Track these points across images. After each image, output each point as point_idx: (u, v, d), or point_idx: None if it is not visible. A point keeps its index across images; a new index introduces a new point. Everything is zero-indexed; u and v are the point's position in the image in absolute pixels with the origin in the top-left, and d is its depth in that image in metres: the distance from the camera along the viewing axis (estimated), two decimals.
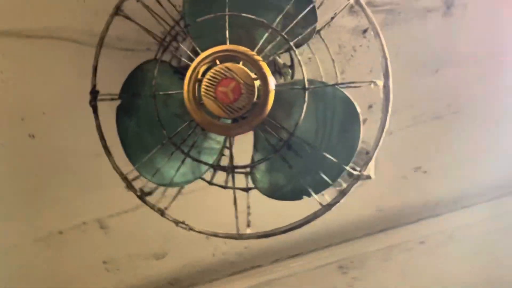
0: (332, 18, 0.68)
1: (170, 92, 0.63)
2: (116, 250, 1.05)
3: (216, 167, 0.68)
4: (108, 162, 0.68)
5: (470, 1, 0.92)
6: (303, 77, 0.60)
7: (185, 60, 0.63)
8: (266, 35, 0.60)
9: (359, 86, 0.61)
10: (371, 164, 0.63)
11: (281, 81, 0.73)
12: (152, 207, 0.69)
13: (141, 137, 0.68)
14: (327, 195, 0.65)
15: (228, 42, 0.59)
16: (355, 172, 0.63)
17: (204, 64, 0.59)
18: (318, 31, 0.70)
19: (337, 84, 0.61)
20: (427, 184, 1.11)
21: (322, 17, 0.66)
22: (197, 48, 0.61)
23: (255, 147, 0.66)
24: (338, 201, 0.64)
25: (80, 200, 0.98)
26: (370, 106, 0.95)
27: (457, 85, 1.01)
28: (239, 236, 0.67)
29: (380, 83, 0.61)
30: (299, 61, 0.61)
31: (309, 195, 0.64)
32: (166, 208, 0.69)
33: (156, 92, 0.63)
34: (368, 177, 0.64)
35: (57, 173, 0.94)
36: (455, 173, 1.11)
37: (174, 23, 0.68)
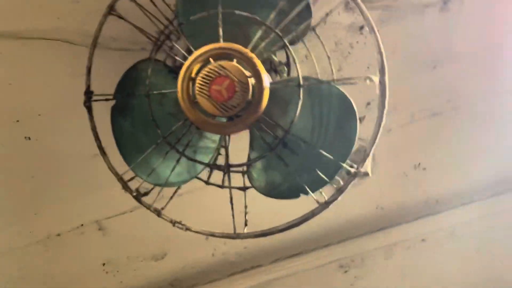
0: (327, 14, 0.67)
1: (164, 91, 0.63)
2: (115, 252, 1.05)
3: (211, 166, 0.68)
4: (105, 163, 0.68)
5: None
6: (298, 74, 0.59)
7: (179, 59, 0.62)
8: (259, 32, 0.59)
9: (355, 83, 0.60)
10: (368, 161, 0.63)
11: (277, 79, 0.72)
12: (148, 207, 0.68)
13: (136, 137, 0.68)
14: (325, 193, 0.65)
15: (221, 40, 0.59)
16: (352, 169, 0.62)
17: (197, 63, 0.59)
18: (313, 28, 0.70)
19: (332, 80, 0.61)
20: (427, 181, 1.10)
21: (317, 14, 0.65)
22: (191, 47, 0.60)
23: (251, 146, 0.66)
24: (336, 199, 0.64)
25: (77, 202, 0.97)
26: (368, 104, 0.94)
27: (456, 81, 1.00)
28: (236, 236, 0.67)
29: (376, 79, 0.60)
30: (293, 58, 0.60)
31: (306, 193, 0.64)
32: (162, 209, 0.69)
33: (150, 91, 0.63)
34: (366, 174, 0.63)
35: (54, 175, 0.94)
36: (455, 170, 1.10)
37: (167, 22, 0.68)
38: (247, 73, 0.58)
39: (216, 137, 0.68)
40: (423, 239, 1.16)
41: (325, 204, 0.64)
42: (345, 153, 0.62)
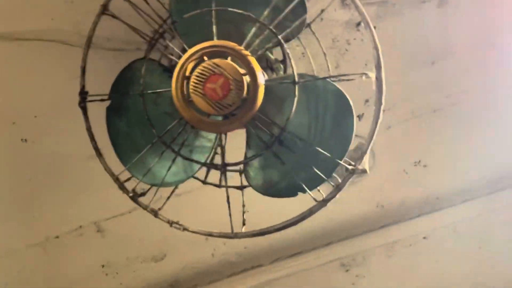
0: (322, 10, 0.67)
1: (158, 90, 0.63)
2: (114, 254, 1.05)
3: (207, 165, 0.67)
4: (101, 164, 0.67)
5: None
6: (293, 71, 0.59)
7: (173, 58, 0.62)
8: (254, 29, 0.59)
9: (351, 79, 0.60)
10: (366, 158, 0.62)
11: (274, 77, 0.72)
12: (145, 208, 0.68)
13: (131, 137, 0.68)
14: (323, 191, 0.64)
15: (215, 37, 0.59)
16: (349, 167, 0.62)
17: (191, 61, 0.58)
18: (309, 25, 0.69)
19: (328, 77, 0.60)
20: (428, 178, 1.09)
21: (313, 11, 0.65)
22: (185, 45, 0.60)
23: (248, 144, 0.65)
24: (334, 196, 0.63)
25: (75, 204, 0.97)
26: (367, 101, 0.94)
27: (455, 76, 0.99)
28: (234, 235, 0.67)
29: (372, 75, 0.60)
30: (288, 54, 0.60)
31: (303, 191, 0.63)
32: (159, 209, 0.68)
33: (144, 91, 0.63)
34: (364, 171, 0.63)
35: (51, 177, 0.94)
36: (455, 166, 1.09)
37: (161, 21, 0.67)
38: (242, 71, 0.58)
39: (212, 136, 0.67)
40: (424, 237, 1.15)
41: (323, 202, 0.63)
42: (342, 150, 0.62)
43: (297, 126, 0.62)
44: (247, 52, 0.58)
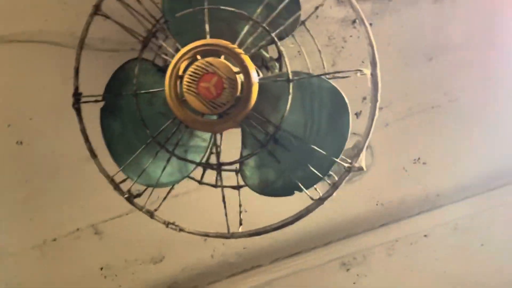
0: (317, 8, 0.66)
1: (151, 90, 0.62)
2: (113, 256, 1.04)
3: (202, 165, 0.67)
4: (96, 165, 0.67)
5: None
6: (287, 69, 0.58)
7: (167, 57, 0.62)
8: (247, 27, 0.58)
9: (346, 76, 0.59)
10: (363, 156, 0.62)
11: (269, 75, 0.71)
12: (140, 209, 0.67)
13: (126, 137, 0.67)
14: (319, 189, 0.64)
15: (208, 36, 0.58)
16: (346, 164, 0.61)
17: (184, 60, 0.58)
18: (303, 22, 0.69)
19: (322, 74, 0.60)
20: (427, 176, 1.09)
21: (307, 9, 0.64)
22: (177, 44, 0.59)
23: (243, 143, 0.65)
24: (331, 195, 0.63)
25: (73, 206, 0.97)
26: (364, 98, 0.93)
27: (453, 73, 0.99)
28: (230, 235, 0.66)
29: (367, 71, 0.59)
30: (282, 52, 0.59)
31: (300, 190, 0.63)
32: (155, 210, 0.68)
33: (138, 91, 0.62)
34: (360, 168, 0.62)
35: (48, 179, 0.93)
36: (455, 163, 1.08)
37: (154, 21, 0.67)
38: (235, 69, 0.57)
39: (207, 136, 0.67)
40: (425, 235, 1.15)
41: (320, 200, 0.63)
42: (338, 148, 0.61)
43: (292, 124, 0.61)
44: (240, 51, 0.57)
